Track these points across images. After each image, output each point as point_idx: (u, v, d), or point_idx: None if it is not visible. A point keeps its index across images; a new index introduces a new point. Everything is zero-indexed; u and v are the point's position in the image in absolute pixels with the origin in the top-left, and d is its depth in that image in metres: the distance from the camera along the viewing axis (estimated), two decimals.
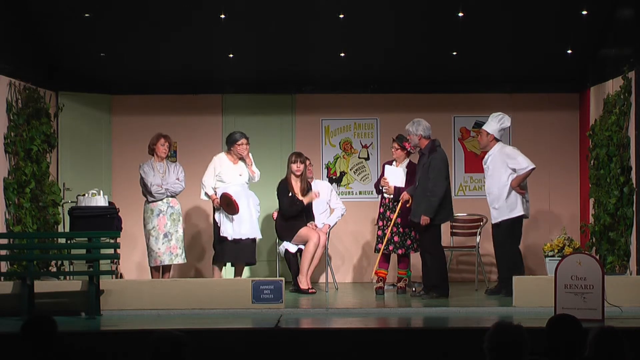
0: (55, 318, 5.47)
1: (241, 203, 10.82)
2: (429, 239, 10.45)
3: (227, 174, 10.93)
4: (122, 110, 12.69)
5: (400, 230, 10.87)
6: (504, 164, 10.51)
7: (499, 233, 10.59)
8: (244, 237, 10.86)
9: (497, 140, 10.61)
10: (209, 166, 11.03)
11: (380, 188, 11.11)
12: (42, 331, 5.29)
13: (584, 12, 10.78)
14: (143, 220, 10.87)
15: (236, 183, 10.95)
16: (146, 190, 10.83)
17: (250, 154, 11.08)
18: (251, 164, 11.05)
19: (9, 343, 7.36)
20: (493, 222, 10.65)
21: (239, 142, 10.97)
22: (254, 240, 10.98)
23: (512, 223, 10.50)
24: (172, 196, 10.85)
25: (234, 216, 10.78)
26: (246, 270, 12.28)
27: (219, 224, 10.90)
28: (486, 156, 10.73)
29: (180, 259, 10.85)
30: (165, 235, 10.76)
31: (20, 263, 10.08)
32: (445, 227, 11.37)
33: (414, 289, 10.77)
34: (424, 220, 10.29)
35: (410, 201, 10.62)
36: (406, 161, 11.06)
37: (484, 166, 10.78)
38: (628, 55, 10.75)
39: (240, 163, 11.05)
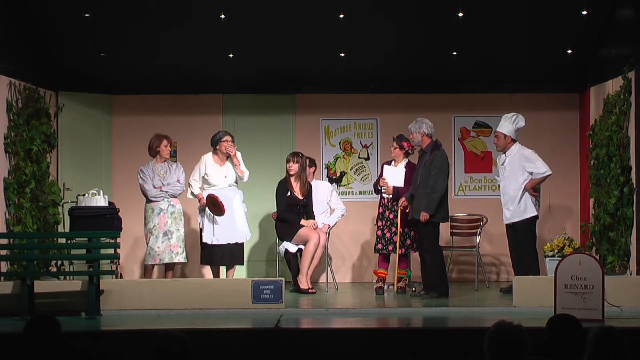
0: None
1: (226, 207, 10.83)
2: (428, 238, 10.45)
3: (213, 176, 10.95)
4: (122, 110, 12.69)
5: (400, 230, 10.88)
6: (522, 166, 10.54)
7: (514, 234, 10.63)
8: (224, 242, 10.89)
9: (514, 140, 10.64)
10: (196, 166, 11.04)
11: (379, 188, 11.13)
12: (45, 332, 5.29)
13: (584, 12, 10.78)
14: (144, 220, 10.88)
15: (222, 185, 10.97)
16: (144, 194, 10.86)
17: (239, 154, 11.05)
18: (239, 164, 11.02)
19: (9, 343, 7.37)
20: (506, 223, 10.69)
21: (223, 140, 10.96)
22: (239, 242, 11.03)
23: (528, 224, 10.55)
24: (172, 196, 10.88)
25: (218, 219, 10.80)
26: (244, 270, 12.30)
27: (201, 227, 10.95)
28: (503, 157, 10.72)
29: (180, 258, 10.84)
30: (165, 234, 10.77)
31: (20, 263, 10.08)
32: (445, 227, 11.38)
33: (414, 289, 10.77)
34: (424, 216, 10.30)
35: (408, 208, 10.64)
36: (405, 161, 11.08)
37: (500, 167, 10.78)
38: (628, 55, 10.75)
39: (227, 164, 11.04)
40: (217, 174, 10.96)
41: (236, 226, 10.93)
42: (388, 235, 10.96)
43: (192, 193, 11.00)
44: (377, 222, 11.17)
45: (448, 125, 12.71)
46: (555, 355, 5.08)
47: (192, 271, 12.30)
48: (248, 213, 11.51)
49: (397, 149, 11.04)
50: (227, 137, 11.00)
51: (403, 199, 10.71)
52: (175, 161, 11.70)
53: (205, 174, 10.94)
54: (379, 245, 11.04)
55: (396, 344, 7.74)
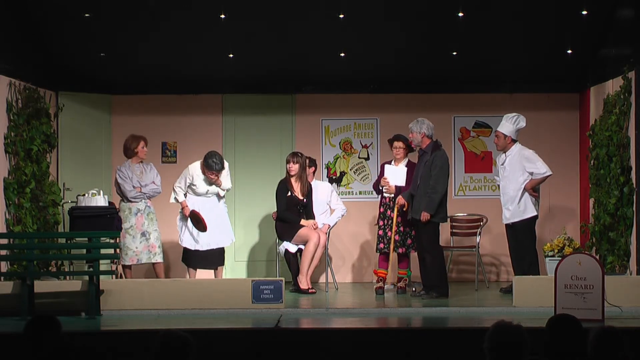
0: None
1: (208, 218, 10.89)
2: (428, 238, 10.45)
3: (199, 186, 10.99)
4: (122, 110, 12.69)
5: (401, 229, 10.88)
6: (522, 166, 10.54)
7: (514, 234, 10.63)
8: (202, 249, 10.96)
9: (515, 141, 10.64)
10: (183, 173, 11.11)
11: (380, 188, 11.12)
12: (45, 332, 5.29)
13: (584, 12, 10.78)
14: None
15: (208, 195, 11.02)
16: (122, 194, 10.89)
17: (226, 165, 11.03)
18: (220, 185, 11.05)
19: (9, 343, 7.37)
20: (506, 223, 10.69)
21: (209, 173, 10.94)
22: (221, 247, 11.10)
23: (528, 224, 10.56)
24: (149, 198, 10.92)
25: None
26: (244, 270, 12.30)
27: (179, 231, 11.02)
28: (503, 157, 10.71)
29: (158, 258, 10.88)
30: (143, 234, 10.81)
31: (20, 263, 10.08)
32: (445, 227, 11.38)
33: (414, 289, 10.77)
34: (424, 216, 10.30)
35: (405, 206, 10.64)
36: (405, 160, 11.07)
37: (500, 167, 10.78)
38: (628, 55, 10.75)
39: None
40: (202, 185, 11.01)
41: (219, 231, 10.99)
42: (389, 234, 10.95)
43: (175, 199, 11.06)
44: (378, 222, 11.17)
45: (448, 125, 12.71)
46: (555, 355, 5.08)
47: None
48: (248, 214, 11.52)
49: (403, 149, 11.00)
50: (213, 173, 10.92)
51: (400, 197, 10.71)
52: (175, 161, 11.69)
53: (193, 184, 10.97)
54: (381, 245, 11.04)
55: (396, 344, 7.74)
